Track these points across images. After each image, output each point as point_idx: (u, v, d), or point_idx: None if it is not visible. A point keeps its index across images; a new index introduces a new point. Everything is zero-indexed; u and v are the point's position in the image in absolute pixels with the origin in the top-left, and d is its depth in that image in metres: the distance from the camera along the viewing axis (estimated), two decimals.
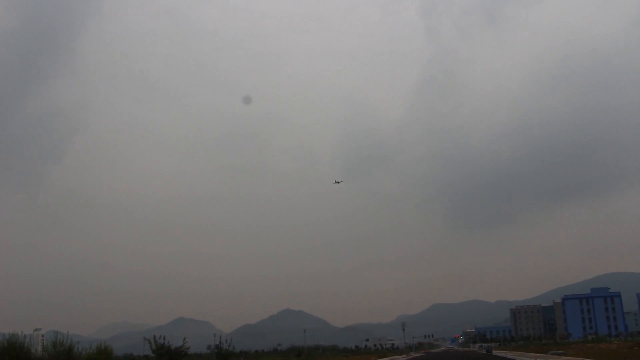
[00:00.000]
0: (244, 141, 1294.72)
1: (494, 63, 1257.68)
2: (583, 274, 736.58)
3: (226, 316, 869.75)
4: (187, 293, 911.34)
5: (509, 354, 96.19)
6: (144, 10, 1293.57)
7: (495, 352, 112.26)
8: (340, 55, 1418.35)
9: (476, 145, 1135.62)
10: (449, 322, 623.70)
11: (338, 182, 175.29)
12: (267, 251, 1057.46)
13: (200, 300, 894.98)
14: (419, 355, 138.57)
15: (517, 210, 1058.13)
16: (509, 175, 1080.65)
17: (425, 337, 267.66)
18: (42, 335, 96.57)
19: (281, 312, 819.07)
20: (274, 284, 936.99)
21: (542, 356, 75.31)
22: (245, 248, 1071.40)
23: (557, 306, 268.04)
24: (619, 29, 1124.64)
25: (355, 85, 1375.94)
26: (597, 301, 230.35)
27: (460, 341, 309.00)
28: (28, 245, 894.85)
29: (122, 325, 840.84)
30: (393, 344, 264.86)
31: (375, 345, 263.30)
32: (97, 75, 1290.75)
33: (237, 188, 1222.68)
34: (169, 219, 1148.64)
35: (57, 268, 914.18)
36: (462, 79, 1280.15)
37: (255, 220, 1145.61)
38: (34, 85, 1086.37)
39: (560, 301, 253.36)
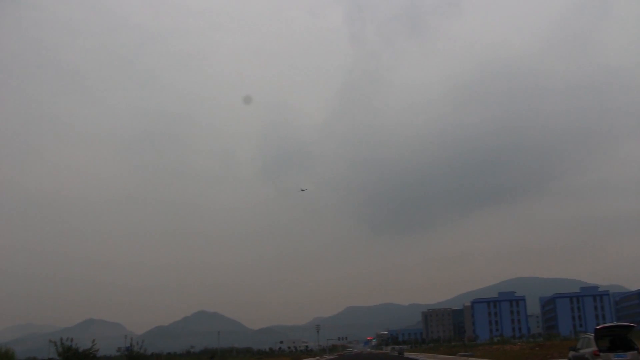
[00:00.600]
0: (163, 140, 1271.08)
1: (415, 71, 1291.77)
2: (491, 279, 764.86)
3: (138, 317, 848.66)
4: (97, 294, 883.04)
5: (419, 356, 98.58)
6: None
7: (406, 354, 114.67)
8: (264, 57, 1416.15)
9: (395, 150, 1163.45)
10: (363, 324, 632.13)
11: (303, 190, 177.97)
12: (182, 252, 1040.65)
13: (112, 301, 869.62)
14: (332, 357, 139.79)
15: (431, 216, 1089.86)
16: (425, 180, 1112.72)
17: (339, 339, 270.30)
18: None
19: (195, 313, 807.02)
20: (188, 285, 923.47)
21: (451, 357, 77.66)
22: (159, 249, 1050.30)
23: (467, 309, 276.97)
24: (533, 45, 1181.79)
25: (279, 87, 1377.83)
26: (503, 304, 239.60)
27: (373, 343, 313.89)
28: None
29: (26, 327, 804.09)
30: (307, 346, 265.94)
31: (289, 347, 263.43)
32: (10, 64, 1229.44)
33: (154, 188, 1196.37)
34: (81, 219, 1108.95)
35: None
36: (384, 86, 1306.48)
37: (172, 221, 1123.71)
38: None
39: (470, 304, 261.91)
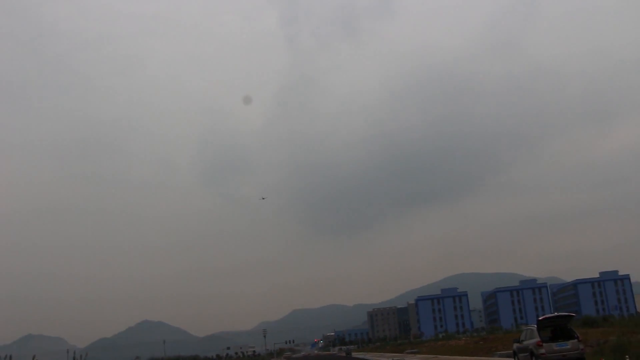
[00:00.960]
0: (98, 148, 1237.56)
1: (351, 73, 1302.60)
2: (434, 276, 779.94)
3: (80, 330, 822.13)
4: (35, 309, 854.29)
5: (367, 355, 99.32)
6: None
7: (354, 354, 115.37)
8: (199, 62, 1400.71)
9: (334, 152, 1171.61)
10: (309, 327, 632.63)
11: (264, 199, 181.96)
12: (122, 261, 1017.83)
13: (51, 315, 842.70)
14: None
15: (372, 216, 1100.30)
16: (364, 182, 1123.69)
17: (286, 343, 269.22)
18: None
19: (139, 323, 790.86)
20: (131, 295, 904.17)
21: (398, 355, 78.57)
22: (98, 258, 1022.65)
23: (411, 307, 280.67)
24: (463, 45, 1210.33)
25: (216, 92, 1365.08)
26: (447, 301, 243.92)
27: (320, 345, 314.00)
28: None
29: None
30: (254, 351, 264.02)
31: (236, 353, 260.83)
32: None
33: (90, 197, 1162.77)
34: (15, 232, 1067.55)
35: None
36: (320, 89, 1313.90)
37: (111, 231, 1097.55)
38: None
39: (414, 302, 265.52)
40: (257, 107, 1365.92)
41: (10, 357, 51.94)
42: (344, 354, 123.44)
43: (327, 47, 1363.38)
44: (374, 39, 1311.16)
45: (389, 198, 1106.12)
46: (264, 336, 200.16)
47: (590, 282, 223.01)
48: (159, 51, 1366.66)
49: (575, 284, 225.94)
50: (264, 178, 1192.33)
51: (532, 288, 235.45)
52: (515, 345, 34.73)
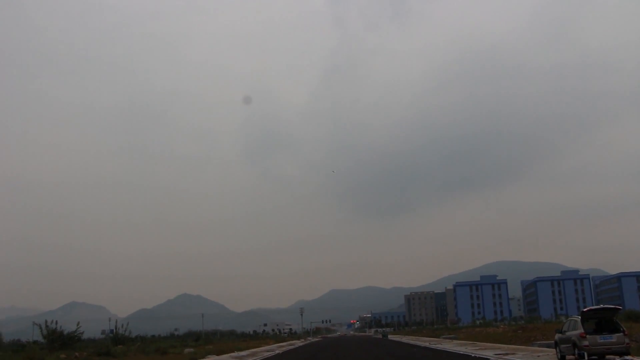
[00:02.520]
0: (141, 124, 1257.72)
1: (397, 55, 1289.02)
2: (473, 262, 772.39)
3: (121, 301, 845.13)
4: (80, 276, 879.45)
5: (404, 339, 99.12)
6: None
7: (390, 337, 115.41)
8: (245, 39, 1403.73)
9: (377, 134, 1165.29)
10: (346, 307, 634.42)
11: (333, 172, 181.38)
12: (164, 234, 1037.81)
13: (94, 283, 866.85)
14: (316, 339, 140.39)
15: (414, 200, 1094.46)
16: (407, 165, 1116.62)
17: (322, 322, 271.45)
18: None
19: (179, 296, 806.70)
20: (172, 268, 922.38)
21: (435, 340, 78.21)
22: (141, 230, 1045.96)
23: (449, 292, 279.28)
24: (515, 29, 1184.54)
25: (261, 70, 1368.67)
26: (485, 288, 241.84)
27: (356, 326, 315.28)
28: None
29: (9, 310, 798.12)
30: (291, 329, 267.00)
31: (273, 330, 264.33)
32: None
33: (135, 172, 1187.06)
34: (63, 204, 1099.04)
35: None
36: (366, 69, 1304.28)
37: (151, 202, 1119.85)
38: None
39: (452, 288, 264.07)
40: (302, 86, 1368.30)
41: (56, 322, 53.17)
42: (380, 337, 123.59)
43: (374, 27, 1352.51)
44: (422, 20, 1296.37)
45: (431, 182, 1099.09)
46: (301, 314, 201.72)
47: (636, 275, 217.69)
48: (205, 28, 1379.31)
49: (619, 277, 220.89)
50: (307, 157, 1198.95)
51: (573, 279, 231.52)
52: (557, 336, 34.00)
